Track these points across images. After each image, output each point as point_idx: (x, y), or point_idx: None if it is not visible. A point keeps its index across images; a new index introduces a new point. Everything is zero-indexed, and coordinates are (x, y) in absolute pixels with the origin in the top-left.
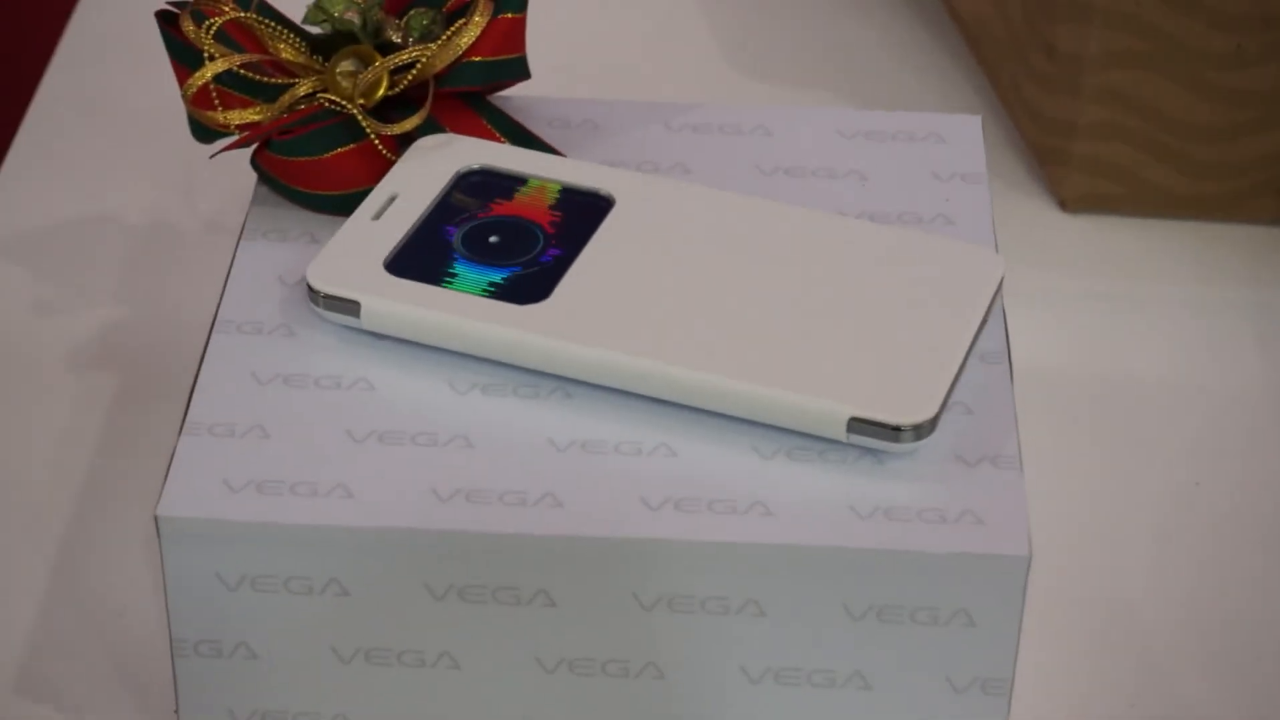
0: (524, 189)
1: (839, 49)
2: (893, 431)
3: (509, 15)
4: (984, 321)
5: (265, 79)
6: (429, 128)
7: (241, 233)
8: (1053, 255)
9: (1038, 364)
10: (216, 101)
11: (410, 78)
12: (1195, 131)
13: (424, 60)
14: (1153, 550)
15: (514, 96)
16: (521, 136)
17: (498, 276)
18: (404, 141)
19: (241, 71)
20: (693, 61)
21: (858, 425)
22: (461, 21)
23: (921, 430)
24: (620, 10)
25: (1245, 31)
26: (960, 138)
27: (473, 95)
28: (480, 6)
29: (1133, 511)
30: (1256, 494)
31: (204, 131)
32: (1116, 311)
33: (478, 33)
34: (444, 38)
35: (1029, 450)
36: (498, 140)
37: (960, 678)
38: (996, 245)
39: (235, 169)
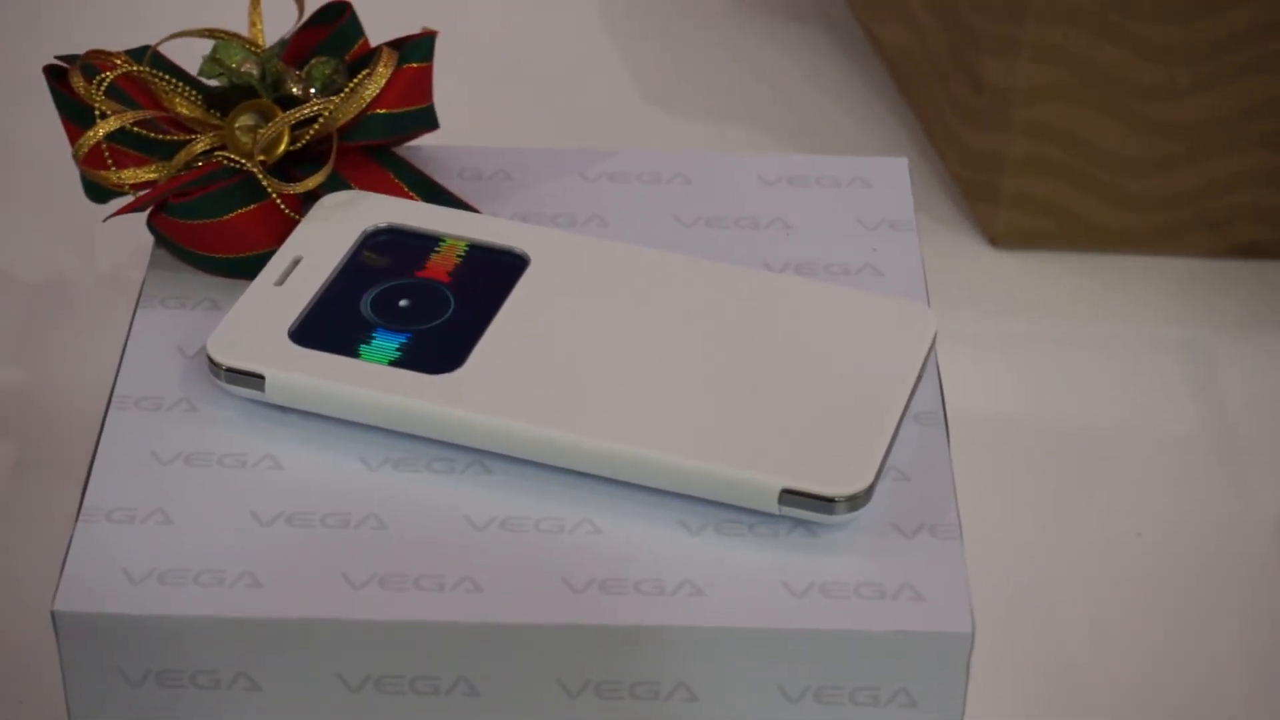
0: (435, 249)
1: (761, 86)
2: (826, 503)
3: (415, 65)
4: (918, 381)
5: (161, 136)
6: (333, 184)
7: (139, 299)
8: (982, 293)
9: (967, 407)
10: (109, 161)
11: (313, 132)
12: (1126, 164)
13: (327, 114)
14: (1096, 605)
15: (422, 147)
16: (431, 190)
17: (408, 343)
18: (308, 200)
19: (135, 129)
20: (609, 103)
21: (790, 497)
22: (365, 72)
23: (856, 501)
24: (533, 52)
25: (1176, 62)
26: (887, 181)
27: (378, 149)
28: (384, 57)
29: (1073, 566)
30: (1196, 540)
31: (98, 191)
32: (1047, 352)
33: (382, 83)
34: (347, 89)
35: (961, 501)
36: (406, 195)
37: None
38: (928, 297)
39: (138, 223)
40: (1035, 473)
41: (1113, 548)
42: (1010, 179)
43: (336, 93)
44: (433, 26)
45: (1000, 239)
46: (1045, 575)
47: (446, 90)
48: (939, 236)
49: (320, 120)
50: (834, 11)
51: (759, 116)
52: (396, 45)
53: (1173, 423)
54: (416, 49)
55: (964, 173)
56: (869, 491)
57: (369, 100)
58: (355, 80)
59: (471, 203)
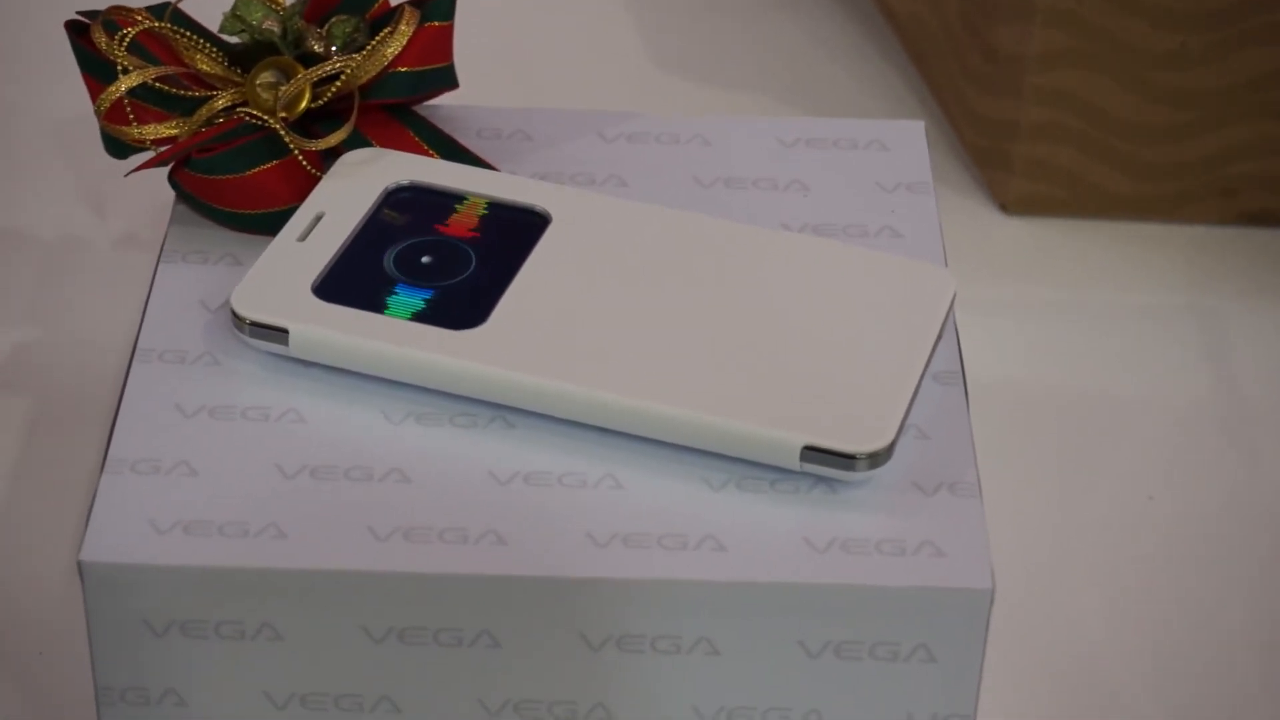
0: (456, 206)
1: (772, 52)
2: (848, 460)
3: (435, 24)
4: (937, 342)
5: (182, 92)
6: (355, 142)
7: (160, 254)
8: (994, 260)
9: (977, 372)
10: (131, 116)
11: (334, 90)
12: (1139, 132)
13: (348, 72)
14: (1109, 570)
15: (442, 106)
16: (451, 149)
17: (431, 299)
18: (329, 157)
19: (157, 84)
20: (625, 68)
21: (811, 454)
22: (386, 30)
23: (877, 458)
24: (551, 16)
25: (1189, 30)
26: (903, 145)
27: (399, 107)
28: (406, 15)
29: (1085, 530)
30: (1208, 506)
31: (119, 147)
32: (1059, 319)
33: (404, 42)
34: (369, 48)
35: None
36: (427, 154)
37: (920, 715)
38: (945, 258)
39: (152, 182)
40: (1046, 438)
41: (1123, 513)
42: (1022, 146)
43: (358, 50)
44: None
45: (1012, 206)
46: (1057, 539)
47: (466, 50)
48: (951, 203)
49: (342, 78)
50: None
51: (771, 83)
52: (418, 3)
53: (1183, 390)
54: (438, 7)
55: (976, 140)
56: (890, 449)
57: (390, 58)
58: (377, 38)
59: (491, 162)
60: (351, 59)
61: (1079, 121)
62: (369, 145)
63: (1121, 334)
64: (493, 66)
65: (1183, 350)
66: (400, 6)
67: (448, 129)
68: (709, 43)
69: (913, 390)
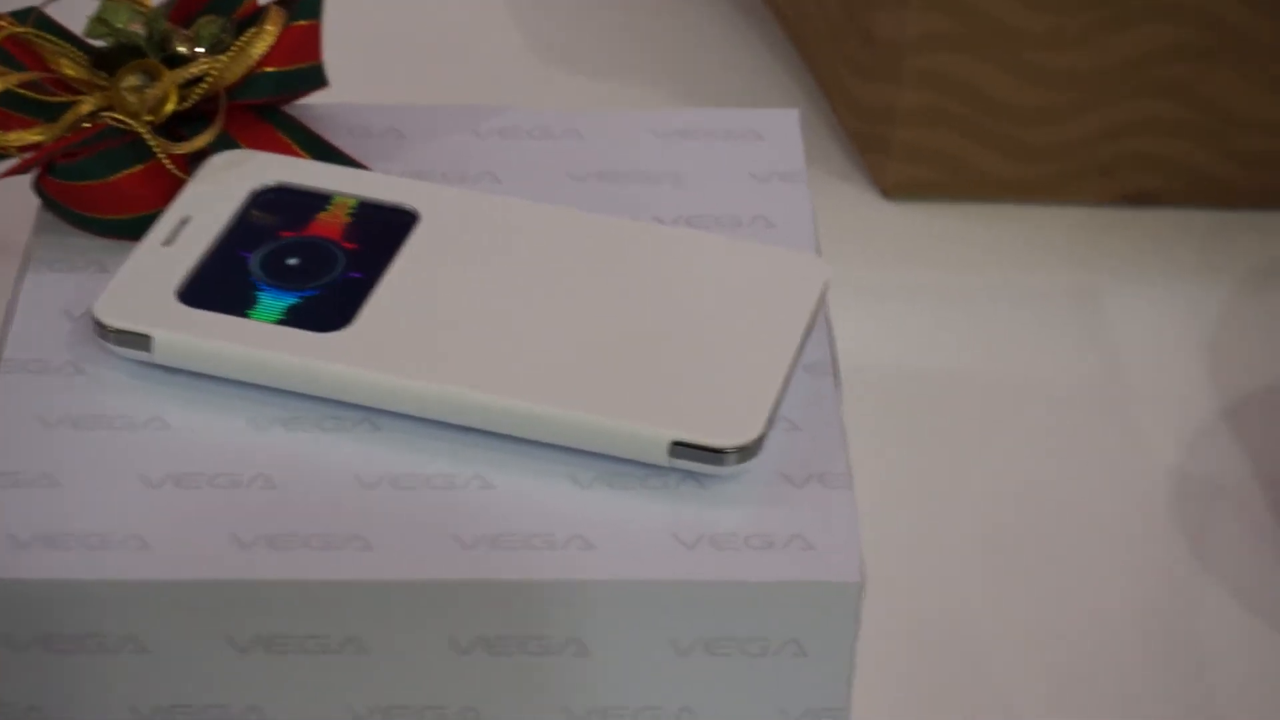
0: (324, 206)
1: (654, 42)
2: (716, 454)
3: (303, 22)
4: (808, 331)
5: (46, 97)
6: (222, 144)
7: (24, 263)
8: (875, 245)
9: (862, 360)
10: None
11: (200, 91)
12: (1017, 114)
13: (214, 73)
14: (986, 558)
15: (313, 105)
16: (321, 149)
17: (297, 302)
18: (196, 160)
19: (20, 90)
20: (500, 60)
21: (679, 449)
22: (253, 30)
23: (746, 452)
24: (424, 10)
25: (1065, 11)
26: (778, 134)
27: (268, 107)
28: (272, 14)
29: (962, 516)
30: (1088, 488)
31: None
32: (940, 302)
33: (270, 41)
34: (235, 48)
35: (854, 454)
36: (296, 154)
37: (793, 708)
38: (818, 247)
39: (18, 190)
40: (927, 422)
41: (1004, 498)
42: (901, 130)
43: (224, 51)
44: None
45: (893, 190)
46: (937, 525)
47: (338, 48)
48: (833, 189)
49: (207, 79)
50: None
51: (652, 73)
52: (285, 3)
53: (1065, 372)
54: (304, 6)
55: (856, 125)
56: (759, 442)
57: (257, 58)
58: (243, 38)
59: (362, 160)
60: (217, 60)
61: (957, 105)
62: (237, 147)
63: (1003, 317)
64: (368, 62)
65: (1063, 332)
66: (267, 6)
67: (318, 128)
68: (591, 34)
69: (782, 382)
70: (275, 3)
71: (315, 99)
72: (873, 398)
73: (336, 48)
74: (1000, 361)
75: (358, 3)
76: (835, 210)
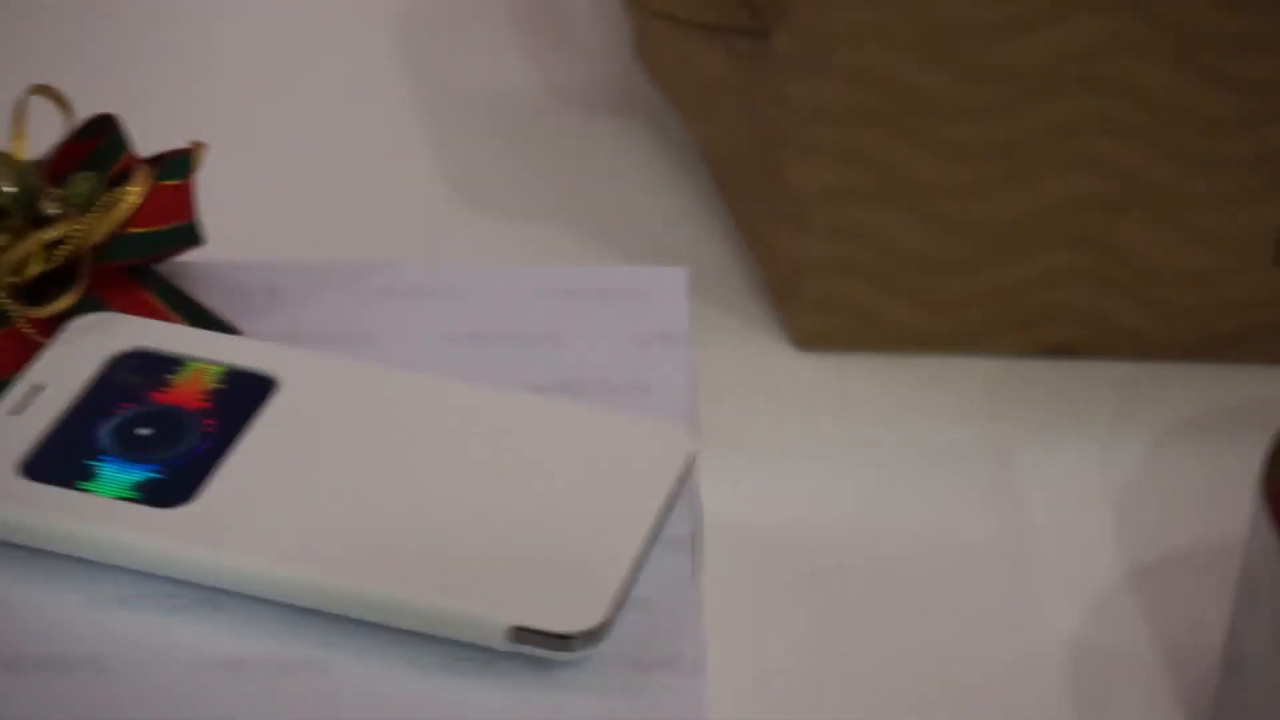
0: (182, 373)
1: (576, 183)
2: (559, 640)
3: (173, 182)
4: (668, 506)
5: None
6: (87, 306)
7: None
8: (787, 398)
9: (761, 519)
10: None
11: (65, 253)
12: (931, 265)
13: (78, 234)
14: None
15: (191, 263)
16: (193, 310)
17: (144, 476)
18: (60, 323)
19: None
20: (414, 202)
21: (521, 634)
22: (119, 191)
23: (591, 637)
24: (333, 149)
25: (976, 163)
26: (665, 293)
27: (139, 267)
28: (140, 174)
29: (852, 684)
30: (985, 659)
31: None
32: (848, 458)
33: (136, 202)
34: (99, 208)
35: (744, 622)
36: (166, 316)
37: None
38: (695, 415)
39: None
40: (825, 584)
41: (896, 665)
42: (812, 281)
43: (93, 210)
44: (209, 137)
45: (806, 342)
46: (825, 691)
47: (215, 201)
48: (749, 339)
49: (70, 240)
50: (657, 105)
51: (574, 216)
52: (156, 161)
53: (969, 531)
54: (175, 165)
55: (771, 274)
56: (604, 627)
57: (123, 219)
58: (107, 198)
59: (235, 322)
60: (80, 220)
61: (869, 256)
62: (104, 309)
63: (910, 473)
64: (247, 215)
65: (972, 489)
66: (136, 165)
67: (193, 288)
68: (510, 175)
69: (631, 562)
70: (145, 161)
71: (193, 256)
72: (769, 559)
73: (216, 199)
74: (904, 520)
75: (256, 147)
76: (749, 362)
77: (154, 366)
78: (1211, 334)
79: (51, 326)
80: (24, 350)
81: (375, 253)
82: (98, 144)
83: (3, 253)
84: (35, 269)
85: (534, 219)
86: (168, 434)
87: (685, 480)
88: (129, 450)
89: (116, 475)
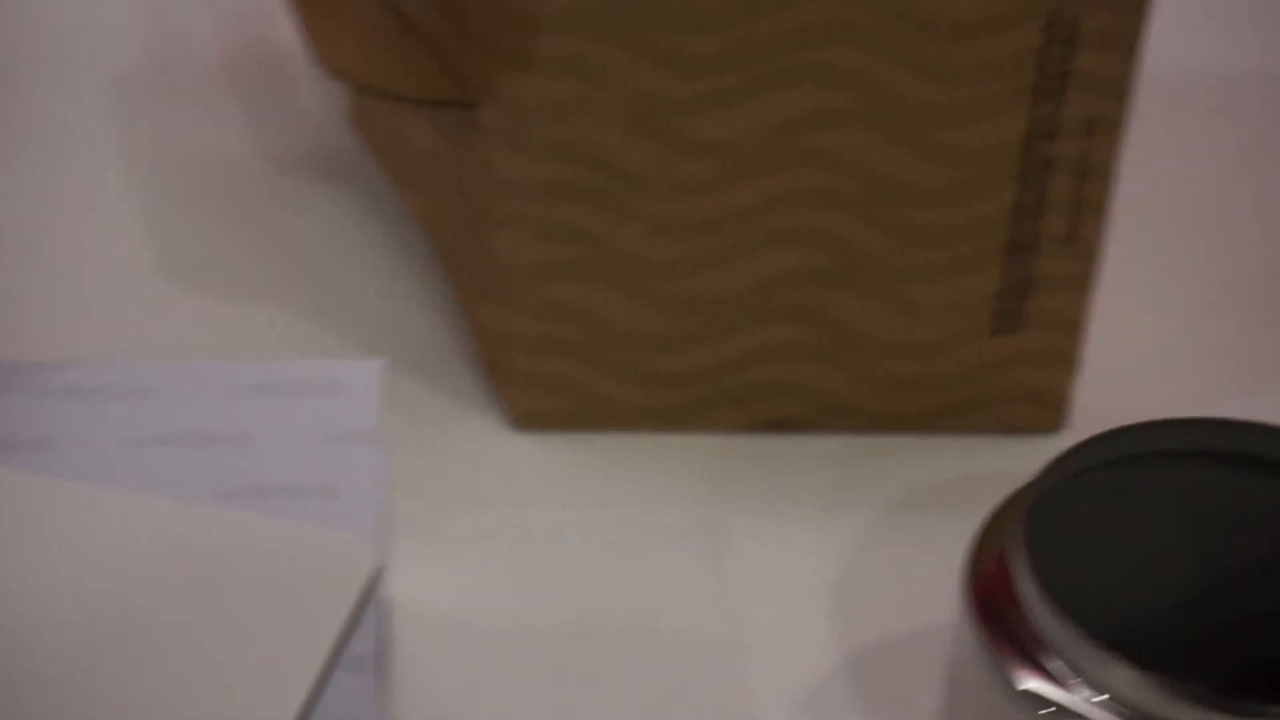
0: None
1: (290, 256)
2: None
3: None
4: (350, 626)
5: None
6: None
7: None
8: (500, 481)
9: (465, 611)
10: None
11: None
12: (643, 342)
13: None
14: None
15: None
16: None
17: None
18: None
19: None
20: (116, 279)
21: None
22: None
23: None
24: (44, 253)
25: (687, 236)
26: (360, 387)
27: None
28: None
29: None
30: None
31: None
32: (558, 543)
33: None
34: None
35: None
36: None
37: None
38: (384, 521)
39: None
40: (533, 677)
41: None
42: (525, 358)
43: None
44: None
45: (521, 421)
46: None
47: None
48: (463, 421)
49: None
50: (375, 175)
51: (287, 291)
52: None
53: (681, 617)
54: None
55: (485, 351)
56: None
57: None
58: None
59: None
60: None
61: (581, 332)
62: None
63: (630, 558)
64: None
65: (685, 573)
66: None
67: None
68: (218, 249)
69: (308, 690)
70: None
71: None
72: (476, 653)
73: None
74: (619, 609)
75: None
76: (461, 445)
77: None
78: (930, 406)
79: None
80: None
81: (67, 342)
82: None
83: None
84: None
85: (245, 296)
86: None
87: (369, 596)
88: None
89: None
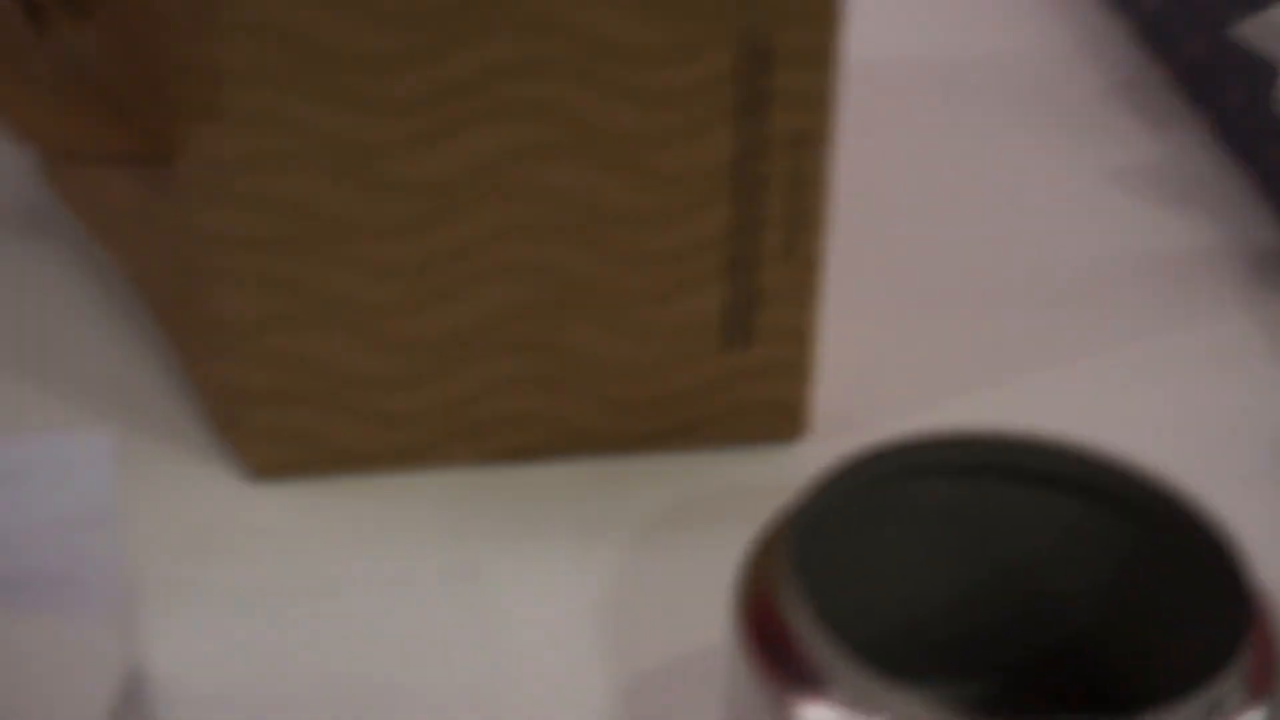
0: None
1: (7, 323)
2: None
3: None
4: None
5: None
6: None
7: None
8: (245, 538)
9: (240, 682)
10: None
11: None
12: (373, 383)
13: None
14: None
15: None
16: None
17: None
18: None
19: None
20: None
21: None
22: None
23: None
24: None
25: (402, 278)
26: (90, 463)
27: None
28: None
29: None
30: None
31: None
32: (317, 597)
33: None
34: None
35: None
36: None
37: None
38: (134, 606)
39: None
40: None
41: None
42: (254, 409)
43: None
44: None
45: (258, 471)
46: None
47: None
48: (202, 475)
49: None
50: (77, 229)
51: (7, 362)
52: None
53: (442, 666)
54: None
55: (212, 404)
56: None
57: None
58: None
59: None
60: None
61: (308, 379)
62: None
63: (385, 605)
64: None
65: (442, 617)
66: None
67: None
68: None
69: None
70: None
71: None
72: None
73: None
74: (367, 662)
75: None
76: (200, 499)
77: None
78: (670, 424)
79: None
80: None
81: None
82: None
83: None
84: None
85: None
86: None
87: (128, 699)
88: None
89: None
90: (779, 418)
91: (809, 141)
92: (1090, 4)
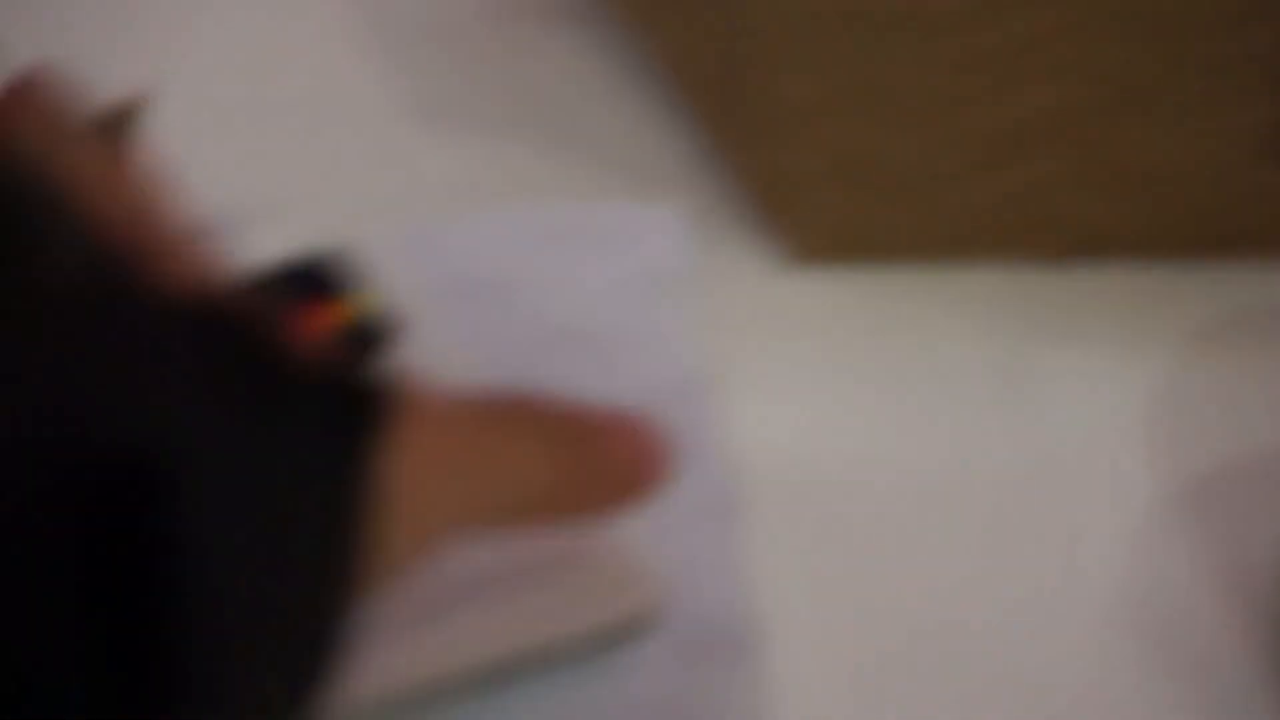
0: None
1: (533, 102)
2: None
3: None
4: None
5: None
6: None
7: None
8: (782, 321)
9: (811, 454)
10: None
11: None
12: (922, 174)
13: None
14: (915, 662)
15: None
16: None
17: None
18: None
19: None
20: (360, 128)
21: None
22: None
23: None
24: (273, 79)
25: (952, 72)
26: (665, 232)
27: None
28: None
29: (888, 623)
30: (1028, 591)
31: None
32: (856, 380)
33: None
34: None
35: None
36: None
37: None
38: (703, 369)
39: None
40: (844, 518)
41: (944, 608)
42: (806, 194)
43: None
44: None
45: (806, 255)
46: (861, 632)
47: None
48: (738, 260)
49: None
50: (607, 14)
51: (535, 138)
52: None
53: (990, 454)
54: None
55: (764, 190)
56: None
57: None
58: None
59: None
60: None
61: (860, 166)
62: None
63: (926, 394)
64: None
65: (988, 410)
66: None
67: None
68: (461, 97)
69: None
70: None
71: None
72: (777, 494)
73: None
74: (919, 445)
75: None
76: (739, 283)
77: None
78: (1216, 233)
79: None
80: None
81: (316, 188)
82: None
83: None
84: None
85: (494, 144)
86: None
87: (634, 628)
88: None
89: None
90: None
91: None
92: None
